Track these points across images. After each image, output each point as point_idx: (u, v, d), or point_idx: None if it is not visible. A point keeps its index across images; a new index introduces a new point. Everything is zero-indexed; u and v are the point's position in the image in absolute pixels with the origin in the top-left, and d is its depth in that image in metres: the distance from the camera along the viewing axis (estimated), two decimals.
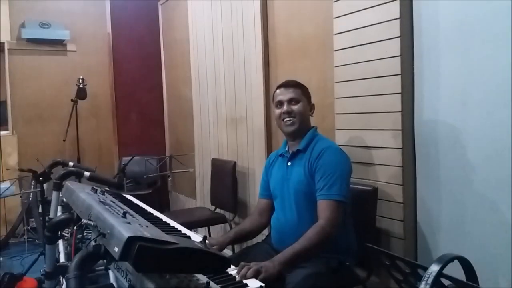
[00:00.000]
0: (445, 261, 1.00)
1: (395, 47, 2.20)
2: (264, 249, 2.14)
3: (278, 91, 2.17)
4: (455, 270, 1.04)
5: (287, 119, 2.10)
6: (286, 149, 2.19)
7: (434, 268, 0.99)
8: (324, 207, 1.90)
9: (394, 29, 2.20)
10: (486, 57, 1.90)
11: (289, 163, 2.14)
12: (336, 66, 2.58)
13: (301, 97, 2.13)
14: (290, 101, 2.11)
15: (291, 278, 1.81)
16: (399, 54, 2.19)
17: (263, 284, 1.35)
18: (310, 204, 1.99)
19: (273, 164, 2.27)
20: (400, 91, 2.20)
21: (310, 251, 1.83)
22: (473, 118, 1.98)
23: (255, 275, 1.56)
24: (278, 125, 2.17)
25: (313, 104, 2.23)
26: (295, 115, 2.09)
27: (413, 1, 2.20)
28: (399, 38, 2.19)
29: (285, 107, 2.10)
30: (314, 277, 1.84)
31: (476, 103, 1.96)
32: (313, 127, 2.19)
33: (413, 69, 2.22)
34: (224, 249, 2.11)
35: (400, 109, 2.21)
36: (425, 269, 1.01)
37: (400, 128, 2.22)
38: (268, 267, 1.66)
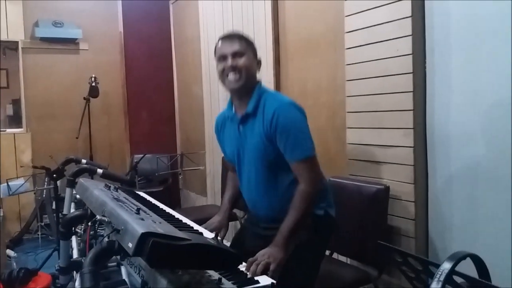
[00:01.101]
0: (458, 258, 1.00)
1: (406, 45, 2.20)
2: (252, 232, 2.07)
3: (220, 43, 1.94)
4: (467, 268, 1.04)
5: (232, 74, 1.89)
6: (233, 111, 2.01)
7: (447, 266, 0.98)
8: (299, 169, 1.82)
9: (406, 27, 2.19)
10: (498, 54, 1.89)
11: (240, 128, 1.96)
12: (347, 65, 2.57)
13: (246, 50, 1.91)
14: (235, 55, 1.89)
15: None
16: (411, 52, 2.18)
17: (274, 281, 1.36)
18: (271, 167, 1.90)
19: (223, 129, 2.10)
20: (411, 90, 2.20)
21: (304, 218, 1.80)
22: (485, 116, 1.97)
23: (266, 269, 1.57)
24: (221, 82, 1.96)
25: (260, 60, 2.01)
26: (240, 69, 1.88)
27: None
28: (410, 36, 2.18)
29: (229, 61, 1.88)
30: (300, 237, 1.82)
31: (488, 101, 1.95)
32: (258, 82, 1.98)
33: (425, 67, 2.21)
34: (228, 226, 2.12)
35: (411, 108, 2.20)
36: (437, 266, 1.01)
37: (412, 127, 2.21)
38: (275, 255, 1.67)
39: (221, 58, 1.92)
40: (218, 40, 1.97)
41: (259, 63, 2.00)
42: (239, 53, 1.90)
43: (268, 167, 1.91)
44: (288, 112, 1.86)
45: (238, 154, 2.01)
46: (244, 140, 1.96)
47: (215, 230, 2.04)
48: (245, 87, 1.91)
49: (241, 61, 1.89)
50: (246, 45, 1.93)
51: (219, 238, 2.07)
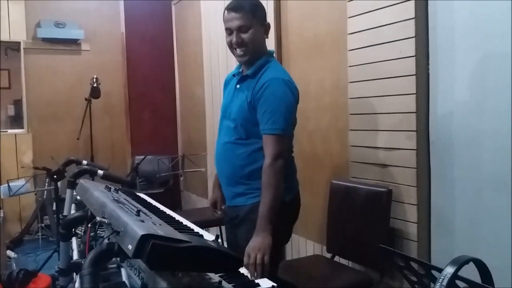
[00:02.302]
0: (461, 263, 0.98)
1: (410, 47, 2.18)
2: (231, 230, 2.11)
3: (226, 14, 1.97)
4: (470, 273, 1.02)
5: (238, 49, 1.96)
6: (240, 70, 2.08)
7: (449, 270, 0.97)
8: (268, 142, 1.87)
9: (409, 29, 2.18)
10: (502, 57, 1.87)
11: (237, 86, 2.05)
12: (350, 66, 2.56)
13: (251, 23, 1.93)
14: (239, 29, 1.93)
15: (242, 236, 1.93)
16: (414, 54, 2.17)
17: (275, 284, 1.35)
18: (244, 131, 1.97)
19: (228, 84, 2.19)
20: (415, 92, 2.18)
21: (277, 193, 1.83)
22: (489, 118, 1.95)
23: (262, 265, 1.69)
24: (230, 51, 2.04)
25: (268, 24, 2.02)
26: (246, 44, 1.94)
27: (429, 1, 2.17)
28: (414, 38, 2.16)
29: (234, 38, 1.94)
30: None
31: (491, 104, 1.94)
32: (269, 51, 2.06)
33: (428, 69, 2.20)
34: (223, 197, 2.19)
35: (414, 110, 2.19)
36: (440, 270, 0.99)
37: (415, 129, 2.20)
38: (263, 245, 1.74)
39: (228, 30, 1.97)
40: (225, 10, 1.99)
41: (267, 29, 2.03)
42: (244, 27, 1.93)
43: (242, 127, 1.97)
44: (278, 87, 1.90)
45: (226, 108, 2.08)
46: (236, 97, 2.03)
47: (215, 202, 2.25)
48: (251, 59, 1.98)
49: (246, 36, 1.93)
50: (252, 16, 1.94)
51: (219, 212, 2.26)
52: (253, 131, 1.94)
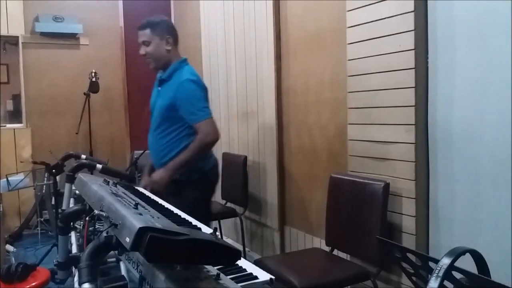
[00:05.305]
0: (457, 254, 0.99)
1: (409, 40, 2.18)
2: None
3: None
4: (467, 265, 1.03)
5: (146, 60, 2.53)
6: (160, 74, 2.58)
7: (446, 261, 0.97)
8: (198, 127, 2.39)
9: (408, 22, 2.17)
10: (502, 50, 1.87)
11: (159, 88, 2.57)
12: (349, 60, 2.55)
13: (151, 37, 2.46)
14: (143, 43, 2.48)
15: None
16: (413, 48, 2.16)
17: (273, 277, 1.35)
18: (165, 123, 2.47)
19: (155, 86, 2.67)
20: (414, 85, 2.18)
21: (192, 158, 2.37)
22: (488, 112, 1.95)
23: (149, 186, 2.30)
24: None
25: (169, 37, 2.51)
26: (148, 56, 2.50)
27: None
28: (413, 32, 2.16)
29: (140, 50, 2.50)
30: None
31: (491, 98, 1.93)
32: (181, 58, 2.56)
33: (427, 63, 2.19)
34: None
35: (413, 104, 2.19)
36: (437, 261, 0.99)
37: (414, 123, 2.20)
38: (159, 174, 2.37)
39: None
40: None
41: (169, 40, 2.51)
42: (146, 42, 2.49)
43: (164, 122, 2.48)
44: (188, 87, 2.40)
45: (153, 107, 2.59)
46: (159, 97, 2.55)
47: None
48: (158, 66, 2.54)
49: (147, 49, 2.50)
50: (151, 31, 2.46)
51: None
52: (172, 125, 2.44)
